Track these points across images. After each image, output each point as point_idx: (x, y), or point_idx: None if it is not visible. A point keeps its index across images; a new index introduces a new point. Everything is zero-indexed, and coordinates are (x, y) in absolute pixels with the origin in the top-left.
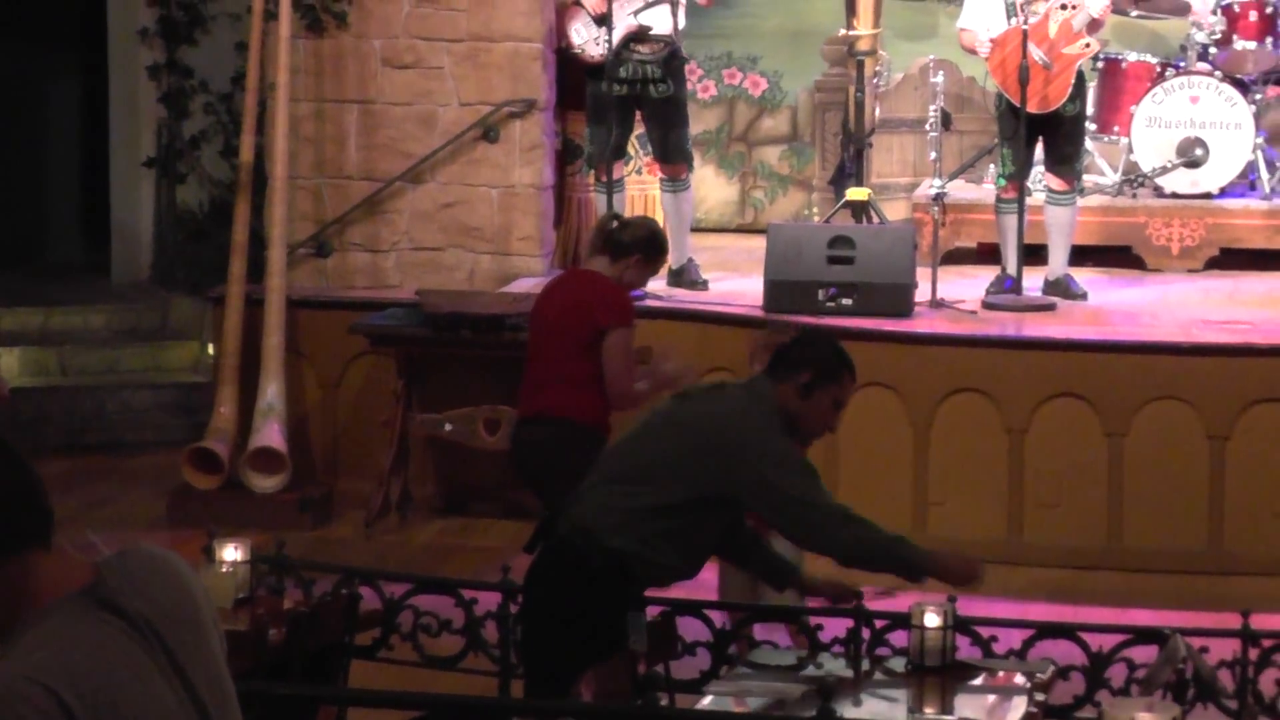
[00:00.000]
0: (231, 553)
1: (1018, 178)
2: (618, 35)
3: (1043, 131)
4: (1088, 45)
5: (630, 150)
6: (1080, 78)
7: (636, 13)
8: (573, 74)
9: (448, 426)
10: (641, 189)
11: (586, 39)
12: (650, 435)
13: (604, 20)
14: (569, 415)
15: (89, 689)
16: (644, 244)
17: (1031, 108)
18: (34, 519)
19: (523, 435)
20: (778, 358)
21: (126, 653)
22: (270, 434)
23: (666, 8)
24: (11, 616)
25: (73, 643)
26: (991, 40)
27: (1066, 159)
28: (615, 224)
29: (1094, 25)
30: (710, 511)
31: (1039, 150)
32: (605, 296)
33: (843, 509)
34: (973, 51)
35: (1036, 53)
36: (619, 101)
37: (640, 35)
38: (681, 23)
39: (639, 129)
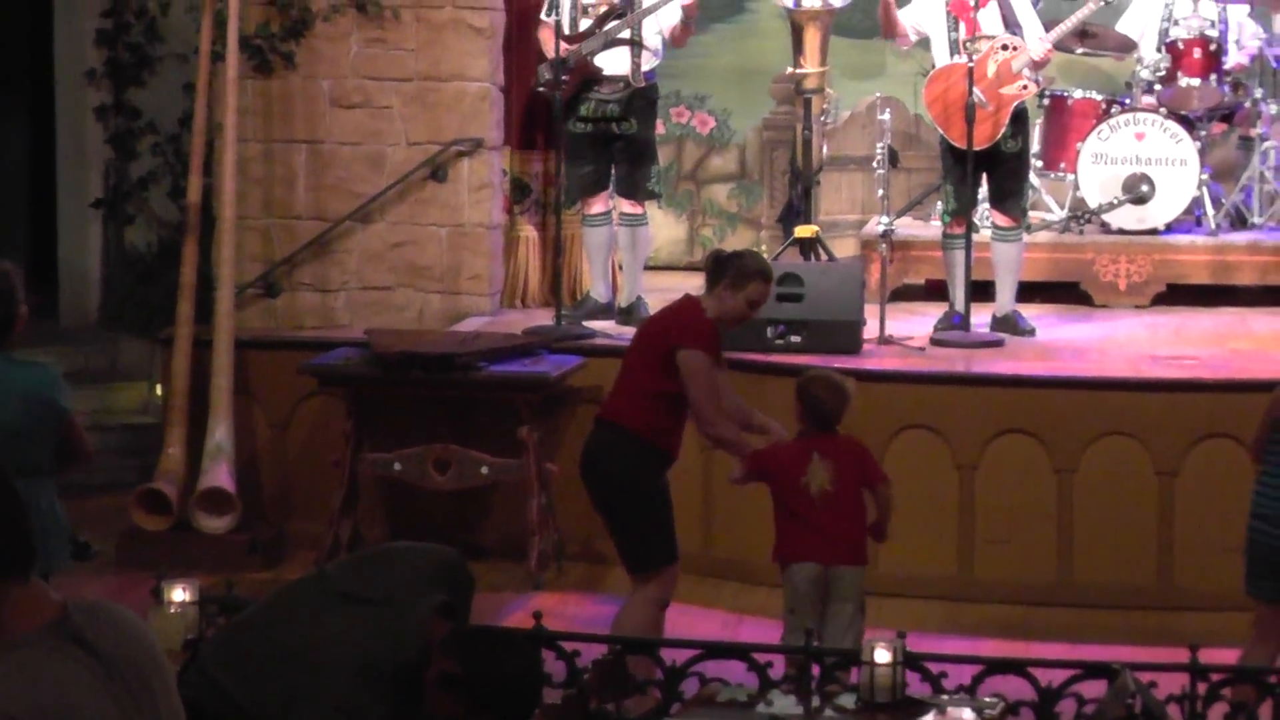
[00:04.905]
0: (180, 594)
1: (961, 214)
2: (575, 76)
3: (985, 168)
4: (1025, 87)
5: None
6: (1023, 115)
7: (592, 54)
8: (538, 114)
9: (398, 466)
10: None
11: (549, 79)
12: None
13: (564, 62)
14: (622, 421)
15: None
16: (732, 266)
17: (965, 144)
18: (17, 551)
19: (587, 439)
20: None
21: (92, 689)
22: (219, 474)
23: (625, 50)
24: None
25: (41, 675)
26: (930, 76)
27: (1010, 195)
28: (718, 255)
29: (1035, 65)
30: None
31: (984, 187)
32: (681, 318)
33: None
34: (892, 32)
35: (974, 92)
36: (589, 139)
37: (597, 77)
38: (646, 64)
39: None
